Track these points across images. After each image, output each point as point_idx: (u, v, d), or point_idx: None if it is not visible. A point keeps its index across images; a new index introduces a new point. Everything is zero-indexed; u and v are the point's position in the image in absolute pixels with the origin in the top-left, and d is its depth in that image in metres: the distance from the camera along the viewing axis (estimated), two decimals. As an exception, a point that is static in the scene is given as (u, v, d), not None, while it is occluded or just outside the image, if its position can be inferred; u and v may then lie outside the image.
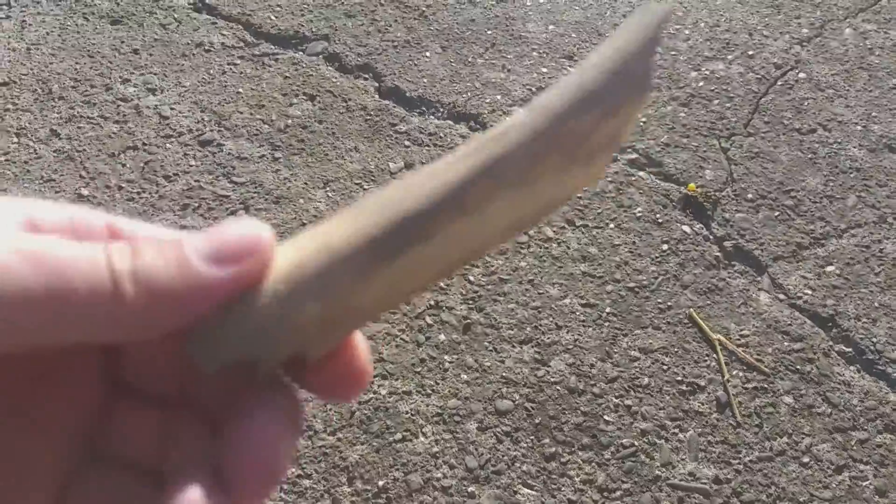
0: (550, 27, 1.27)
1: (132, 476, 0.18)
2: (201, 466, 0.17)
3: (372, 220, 0.17)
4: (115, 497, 0.18)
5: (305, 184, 1.01)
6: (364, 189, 1.01)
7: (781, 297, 0.87)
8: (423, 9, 1.31)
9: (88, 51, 1.21)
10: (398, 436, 0.75)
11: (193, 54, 1.20)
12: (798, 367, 0.81)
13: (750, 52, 1.23)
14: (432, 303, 0.87)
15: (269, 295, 0.17)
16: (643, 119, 1.10)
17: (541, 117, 0.17)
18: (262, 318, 0.17)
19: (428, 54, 1.22)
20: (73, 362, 0.19)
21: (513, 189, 0.17)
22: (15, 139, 1.06)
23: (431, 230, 0.17)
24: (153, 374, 0.19)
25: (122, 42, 1.22)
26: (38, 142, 1.05)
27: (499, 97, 1.15)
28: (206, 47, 1.22)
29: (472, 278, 0.90)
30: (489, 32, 1.26)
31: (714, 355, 0.81)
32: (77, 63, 1.18)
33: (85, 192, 0.99)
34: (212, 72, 1.17)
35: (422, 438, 0.75)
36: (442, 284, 0.89)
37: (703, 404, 0.77)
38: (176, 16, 1.27)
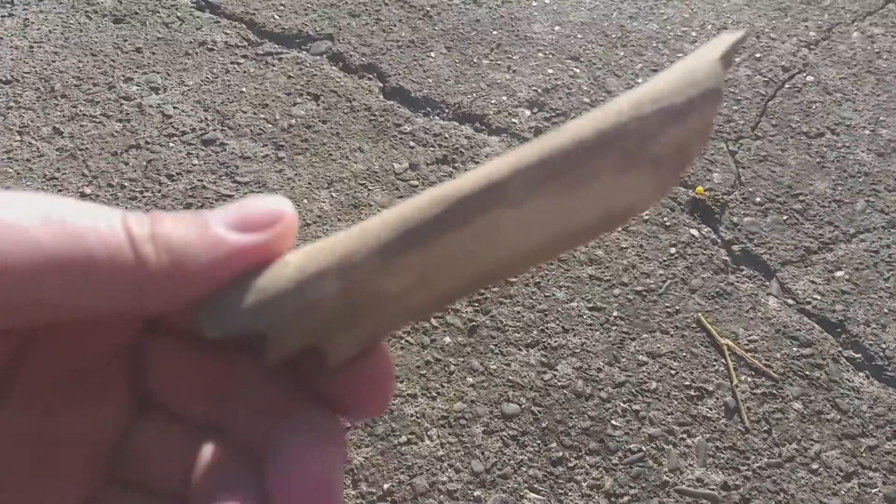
0: (556, 28, 1.26)
1: (152, 502, 0.17)
2: (233, 492, 0.16)
3: (408, 204, 0.16)
4: None
5: (309, 184, 1.00)
6: (368, 189, 1.00)
7: (790, 301, 0.86)
8: (428, 9, 1.30)
9: (91, 49, 1.20)
10: (403, 438, 0.74)
11: (196, 53, 1.20)
12: (807, 372, 0.80)
13: (757, 55, 1.22)
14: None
15: (289, 269, 0.16)
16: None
17: (601, 113, 0.16)
18: (278, 290, 0.16)
19: (433, 55, 1.21)
20: (98, 374, 0.18)
21: (563, 185, 0.16)
22: (17, 137, 1.05)
23: (468, 215, 0.15)
24: (181, 390, 0.18)
25: (125, 40, 1.22)
26: (40, 140, 1.05)
27: (504, 98, 1.14)
28: (210, 46, 1.21)
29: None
30: (494, 33, 1.26)
31: (722, 360, 0.80)
32: (80, 61, 1.18)
33: (87, 190, 0.98)
34: (215, 71, 1.16)
35: (427, 441, 0.74)
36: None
37: (711, 409, 0.76)
38: (179, 14, 1.27)
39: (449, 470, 0.72)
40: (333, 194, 0.99)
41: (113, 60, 1.18)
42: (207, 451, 0.17)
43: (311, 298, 0.16)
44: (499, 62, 1.21)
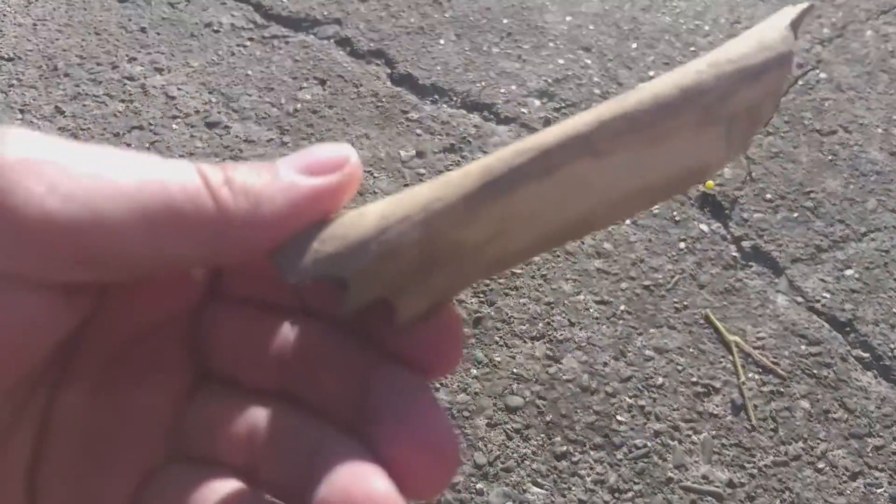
0: (568, 18, 1.25)
1: (218, 476, 0.16)
2: (310, 464, 0.15)
3: (493, 155, 0.16)
4: (198, 500, 0.16)
5: (315, 170, 0.99)
6: (374, 177, 0.99)
7: (799, 299, 0.85)
8: (438, -5, 1.28)
9: (95, 28, 1.18)
10: (406, 429, 0.73)
11: (202, 34, 1.18)
12: (815, 371, 0.79)
13: (770, 50, 1.21)
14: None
15: (370, 217, 0.16)
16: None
17: (680, 73, 0.16)
18: (360, 236, 0.16)
19: (442, 42, 1.20)
20: (158, 345, 0.17)
21: (645, 139, 0.16)
22: (19, 115, 1.04)
23: (552, 164, 0.15)
24: (244, 358, 0.17)
25: (130, 20, 1.20)
26: (42, 119, 1.03)
27: (514, 87, 1.12)
28: (215, 28, 1.19)
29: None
30: (505, 21, 1.24)
31: (730, 357, 0.79)
32: (83, 40, 1.16)
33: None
34: (220, 53, 1.15)
35: (430, 433, 0.73)
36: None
37: (717, 406, 0.76)
38: (185, -5, 1.25)
39: (452, 461, 0.71)
40: (339, 181, 0.98)
41: (117, 40, 1.16)
42: (280, 419, 0.17)
43: (394, 245, 0.15)
44: (509, 51, 1.19)
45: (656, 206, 0.95)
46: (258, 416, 0.17)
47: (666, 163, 0.16)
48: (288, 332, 0.17)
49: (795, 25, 0.18)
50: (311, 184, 0.16)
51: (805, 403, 0.76)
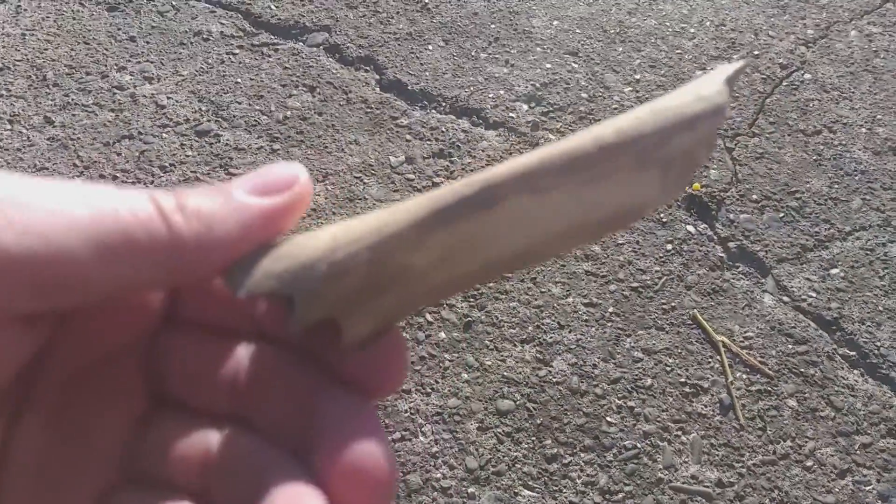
0: (555, 22, 1.26)
1: (171, 498, 0.17)
2: (258, 486, 0.16)
3: (444, 187, 0.17)
4: None
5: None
6: (364, 183, 0.99)
7: (785, 299, 0.86)
8: (426, 1, 1.29)
9: (84, 37, 1.18)
10: (397, 435, 0.74)
11: (191, 43, 1.18)
12: (802, 370, 0.80)
13: (755, 52, 1.22)
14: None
15: (322, 237, 0.17)
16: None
17: (622, 118, 0.18)
18: (310, 255, 0.16)
19: (430, 47, 1.20)
20: (114, 370, 0.18)
21: (584, 178, 0.17)
22: (8, 126, 1.04)
23: (496, 197, 0.16)
24: (197, 383, 0.18)
25: (119, 29, 1.20)
26: (31, 129, 1.03)
27: (502, 92, 1.13)
28: (205, 36, 1.19)
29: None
30: (493, 27, 1.25)
31: (717, 357, 0.80)
32: (72, 50, 1.16)
33: (79, 181, 0.97)
34: (210, 61, 1.15)
35: (421, 438, 0.73)
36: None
37: (706, 406, 0.76)
38: (174, 3, 1.25)
39: (443, 467, 0.71)
40: (329, 187, 0.98)
41: (106, 49, 1.16)
42: (231, 442, 0.17)
43: (343, 266, 0.16)
44: (497, 56, 1.20)
45: (644, 209, 0.96)
46: (211, 439, 0.17)
47: (603, 201, 0.17)
48: (241, 355, 0.18)
49: (731, 81, 0.19)
50: (262, 204, 0.16)
51: (792, 402, 0.77)
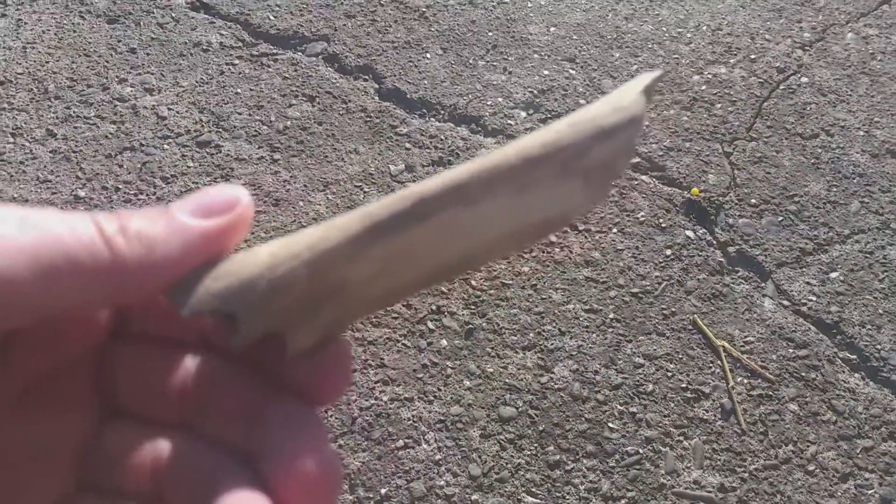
0: (552, 29, 1.26)
1: None
2: (209, 492, 0.17)
3: (377, 203, 0.18)
4: None
5: (305, 186, 1.00)
6: (364, 192, 1.00)
7: (786, 303, 0.87)
8: (424, 9, 1.30)
9: (85, 50, 1.19)
10: (400, 443, 0.74)
11: (191, 54, 1.19)
12: (803, 374, 0.80)
13: (752, 56, 1.23)
14: (434, 307, 0.86)
15: (261, 255, 0.17)
16: (646, 123, 1.10)
17: (544, 131, 0.19)
18: (251, 273, 0.17)
19: (429, 56, 1.21)
20: (64, 382, 0.18)
21: (511, 189, 0.18)
22: (10, 139, 1.04)
23: (428, 211, 0.17)
24: (148, 394, 0.18)
25: (119, 41, 1.21)
26: (33, 142, 1.04)
27: (500, 99, 1.14)
28: (204, 47, 1.20)
29: (473, 283, 0.89)
30: (490, 34, 1.26)
31: (718, 362, 0.80)
32: (73, 62, 1.17)
33: (81, 193, 0.98)
34: (210, 72, 1.16)
35: (424, 445, 0.74)
36: (443, 289, 0.88)
37: (707, 412, 0.76)
38: (173, 15, 1.26)
39: (446, 474, 0.72)
40: (329, 196, 0.99)
41: (107, 61, 1.17)
42: (182, 450, 0.18)
43: (282, 281, 0.16)
44: (495, 63, 1.20)
45: (641, 213, 0.96)
46: (162, 447, 0.18)
47: (530, 210, 0.18)
48: (189, 366, 0.18)
49: (648, 91, 0.19)
50: (203, 226, 0.17)
51: (794, 406, 0.78)
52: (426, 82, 1.16)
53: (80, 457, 0.18)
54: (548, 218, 0.18)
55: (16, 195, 0.97)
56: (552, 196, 0.18)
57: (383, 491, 0.71)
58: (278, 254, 0.17)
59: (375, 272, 0.17)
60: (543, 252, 0.91)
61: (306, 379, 0.18)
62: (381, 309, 0.20)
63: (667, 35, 1.27)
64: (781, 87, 1.17)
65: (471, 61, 1.21)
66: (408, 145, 1.07)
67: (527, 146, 0.18)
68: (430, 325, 0.84)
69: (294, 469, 0.16)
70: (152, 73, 1.15)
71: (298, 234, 0.17)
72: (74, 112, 1.09)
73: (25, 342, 0.17)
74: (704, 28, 1.28)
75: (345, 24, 1.26)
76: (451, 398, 0.77)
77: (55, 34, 1.22)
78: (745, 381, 0.79)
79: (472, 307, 0.86)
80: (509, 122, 1.11)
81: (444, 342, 0.82)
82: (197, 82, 1.14)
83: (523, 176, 0.18)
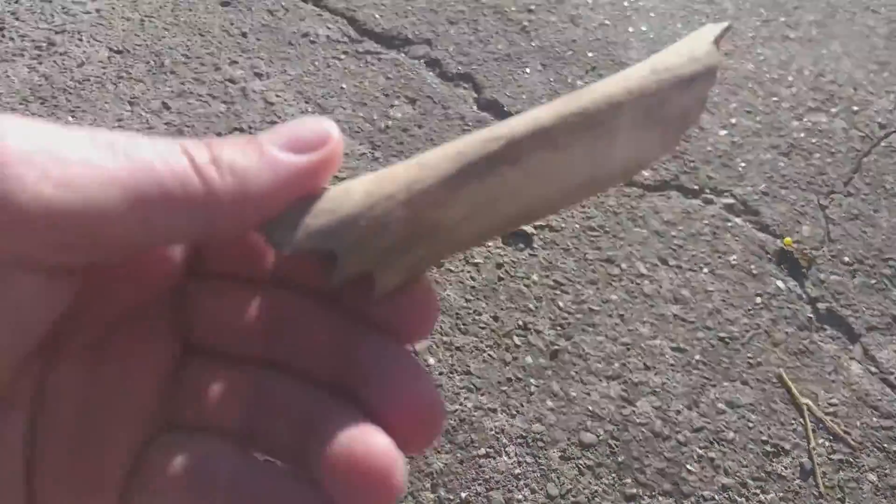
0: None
1: (216, 442, 0.17)
2: (312, 427, 0.17)
3: (463, 141, 0.18)
4: (199, 464, 0.17)
5: (402, 188, 1.03)
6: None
7: (873, 369, 0.86)
8: (526, 23, 1.31)
9: (199, 29, 1.24)
10: (482, 451, 0.76)
11: (299, 44, 1.23)
12: (885, 445, 0.80)
13: (854, 108, 1.21)
14: (521, 323, 0.88)
15: (356, 193, 0.17)
16: (742, 164, 1.09)
17: (625, 76, 0.19)
18: (350, 211, 0.17)
19: (528, 70, 1.23)
20: (142, 322, 0.18)
21: (596, 135, 0.18)
22: (128, 107, 1.10)
23: (520, 154, 0.17)
24: (230, 331, 0.18)
25: (232, 24, 1.25)
26: (150, 113, 1.09)
27: (596, 123, 1.15)
28: (312, 38, 1.24)
29: (561, 304, 0.91)
30: (590, 55, 1.26)
31: (801, 420, 0.80)
32: (188, 40, 1.22)
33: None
34: (316, 63, 1.19)
35: (505, 457, 0.76)
36: (531, 305, 0.90)
37: (786, 468, 0.77)
38: (283, 3, 1.30)
39: (525, 489, 0.74)
40: (425, 201, 1.01)
41: (220, 42, 1.22)
42: (271, 384, 0.18)
43: (381, 221, 0.16)
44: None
45: (733, 256, 0.96)
46: (248, 382, 0.18)
47: (609, 157, 0.18)
48: (269, 303, 0.18)
49: (718, 41, 0.20)
50: (297, 161, 0.16)
51: (873, 476, 0.78)
52: (524, 97, 1.18)
53: (163, 396, 0.18)
54: (625, 166, 0.19)
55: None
56: (632, 144, 0.18)
57: (463, 495, 0.73)
58: (374, 192, 0.17)
59: (464, 214, 0.17)
60: (633, 283, 0.93)
61: (393, 316, 0.18)
62: (463, 251, 0.20)
63: (767, 76, 1.26)
64: (883, 143, 1.15)
65: (569, 80, 1.22)
66: (502, 159, 1.09)
67: (612, 92, 0.18)
68: (516, 339, 0.87)
69: (402, 398, 0.16)
70: (262, 59, 1.19)
71: (391, 172, 0.17)
72: (188, 88, 1.13)
73: (106, 280, 0.17)
74: (807, 73, 1.27)
75: (447, 30, 1.28)
76: (534, 415, 0.80)
77: (171, 11, 1.27)
78: (827, 443, 0.79)
79: (559, 328, 0.87)
80: (602, 146, 1.12)
81: (529, 359, 0.84)
82: (304, 72, 1.18)
83: (609, 122, 0.18)
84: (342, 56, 1.21)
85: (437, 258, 0.18)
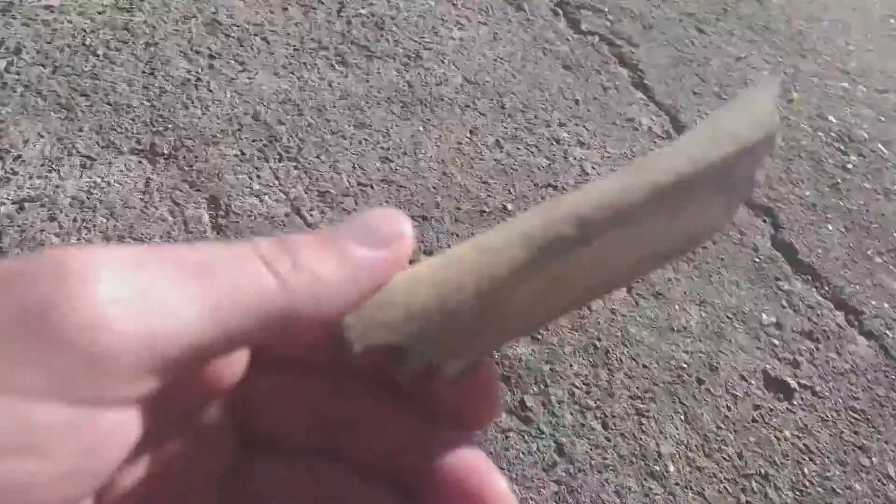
0: (972, 263, 1.20)
1: None
2: None
3: (526, 223, 0.17)
4: None
5: (684, 293, 1.09)
6: (734, 327, 1.06)
7: None
8: (839, 181, 1.31)
9: (540, 84, 1.40)
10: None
11: (623, 126, 1.34)
12: None
13: None
14: (762, 471, 0.90)
15: (423, 284, 0.17)
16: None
17: (686, 148, 0.18)
18: (417, 304, 0.16)
19: (830, 227, 1.23)
20: (208, 410, 0.18)
21: (669, 210, 0.18)
22: (468, 134, 1.28)
23: (591, 235, 0.17)
24: (290, 421, 0.18)
25: (568, 88, 1.40)
26: (485, 146, 1.26)
27: (886, 305, 1.12)
28: (635, 125, 1.35)
29: (805, 471, 0.91)
30: (895, 235, 1.23)
31: None
32: (529, 91, 1.38)
33: (510, 206, 1.17)
34: (634, 150, 1.30)
35: None
36: (776, 459, 0.91)
37: None
38: (617, 84, 1.42)
39: None
40: (703, 314, 1.06)
41: (555, 102, 1.37)
42: (333, 480, 0.17)
43: (452, 312, 0.16)
44: (891, 267, 1.18)
45: None
46: (310, 476, 0.18)
47: (681, 230, 0.18)
48: (326, 390, 0.18)
49: (776, 103, 0.20)
50: (373, 258, 0.16)
51: None
52: (820, 251, 1.18)
53: (223, 491, 0.18)
54: (693, 236, 0.19)
55: (463, 185, 1.19)
56: (700, 215, 0.18)
57: None
58: (442, 284, 0.17)
59: (535, 297, 0.17)
60: (879, 481, 0.90)
61: (459, 403, 0.17)
62: (533, 332, 0.20)
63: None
64: None
65: (868, 253, 1.20)
66: (784, 303, 1.10)
67: (678, 163, 0.18)
68: (754, 485, 0.88)
69: (481, 495, 0.16)
70: (587, 129, 1.32)
71: (458, 258, 0.17)
72: (519, 135, 1.29)
73: (182, 382, 0.17)
74: None
75: (759, 159, 1.32)
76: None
77: (520, 59, 1.45)
78: None
79: (798, 494, 0.88)
80: (888, 332, 1.09)
81: (770, 513, 0.86)
82: (621, 154, 1.28)
83: (676, 196, 0.17)
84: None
85: (503, 341, 0.18)
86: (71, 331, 0.13)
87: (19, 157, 1.07)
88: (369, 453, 0.18)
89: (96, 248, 0.14)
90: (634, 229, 0.17)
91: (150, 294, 0.14)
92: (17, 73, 1.17)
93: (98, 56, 1.22)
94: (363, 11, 1.44)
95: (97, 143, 1.11)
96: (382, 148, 1.23)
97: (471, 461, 0.17)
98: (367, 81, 1.32)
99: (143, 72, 1.21)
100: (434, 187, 1.19)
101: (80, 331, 0.13)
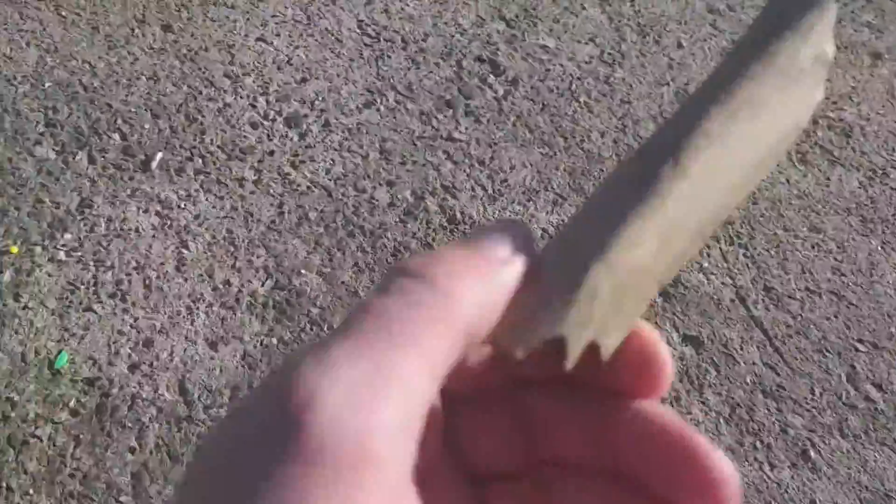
0: None
1: None
2: None
3: (612, 182, 0.17)
4: None
5: None
6: None
7: None
8: None
9: None
10: None
11: None
12: None
13: None
14: None
15: (554, 270, 0.16)
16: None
17: (742, 48, 0.18)
18: (555, 291, 0.16)
19: None
20: (425, 466, 0.17)
21: (747, 115, 0.17)
22: None
23: (686, 164, 0.17)
24: (495, 452, 0.18)
25: None
26: None
27: None
28: None
29: None
30: None
31: None
32: None
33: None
34: None
35: None
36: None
37: None
38: None
39: None
40: None
41: None
42: (563, 490, 0.17)
43: (593, 290, 0.16)
44: None
45: None
46: (538, 495, 0.17)
47: (768, 130, 0.18)
48: (513, 412, 0.18)
49: None
50: (515, 269, 0.16)
51: None
52: None
53: None
54: (784, 131, 0.18)
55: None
56: (781, 108, 0.18)
57: None
58: (569, 264, 0.17)
59: (657, 248, 0.17)
60: None
61: (628, 376, 0.17)
62: (669, 280, 0.17)
63: None
64: None
65: None
66: None
67: (745, 66, 0.18)
68: None
69: (689, 475, 0.15)
70: None
71: (571, 237, 0.17)
72: None
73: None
74: None
75: None
76: None
77: None
78: None
79: None
80: None
81: None
82: None
83: (753, 98, 0.17)
84: None
85: (646, 300, 0.17)
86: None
87: (505, 180, 1.23)
88: (582, 461, 0.18)
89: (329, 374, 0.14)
90: (722, 143, 0.18)
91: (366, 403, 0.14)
92: (513, 104, 1.34)
93: (580, 102, 1.34)
94: (831, 115, 1.37)
95: (569, 184, 1.22)
96: (836, 259, 1.16)
97: (672, 423, 0.17)
98: (827, 186, 1.26)
99: (616, 127, 1.30)
100: (889, 315, 1.09)
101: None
